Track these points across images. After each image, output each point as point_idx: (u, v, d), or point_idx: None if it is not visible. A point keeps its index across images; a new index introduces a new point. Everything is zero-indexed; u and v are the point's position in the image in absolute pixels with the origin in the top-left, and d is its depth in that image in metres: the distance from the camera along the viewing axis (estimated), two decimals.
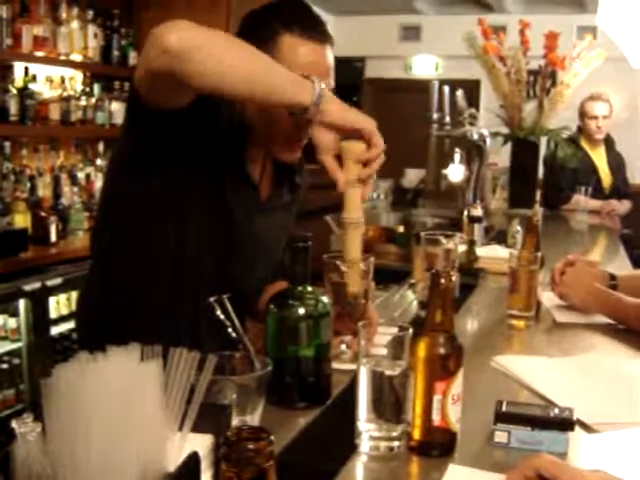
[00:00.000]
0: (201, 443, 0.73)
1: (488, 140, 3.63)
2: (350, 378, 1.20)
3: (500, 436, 1.03)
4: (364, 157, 1.19)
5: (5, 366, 3.00)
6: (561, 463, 0.80)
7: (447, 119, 3.60)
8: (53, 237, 3.20)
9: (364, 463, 1.00)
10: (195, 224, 1.39)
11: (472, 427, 1.05)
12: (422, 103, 3.73)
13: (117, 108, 3.84)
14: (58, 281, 3.04)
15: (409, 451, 1.01)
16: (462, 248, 2.17)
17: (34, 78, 3.41)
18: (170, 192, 1.35)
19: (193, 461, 0.69)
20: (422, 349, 0.98)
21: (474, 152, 3.57)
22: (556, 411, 1.04)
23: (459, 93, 3.63)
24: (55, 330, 3.19)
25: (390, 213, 3.91)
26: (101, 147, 3.85)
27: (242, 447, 0.56)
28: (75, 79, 3.76)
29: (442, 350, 0.98)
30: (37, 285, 2.94)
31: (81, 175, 3.70)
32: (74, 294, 3.17)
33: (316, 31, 1.34)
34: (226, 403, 0.89)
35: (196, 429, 0.72)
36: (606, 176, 4.41)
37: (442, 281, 0.98)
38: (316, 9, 1.43)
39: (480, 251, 2.37)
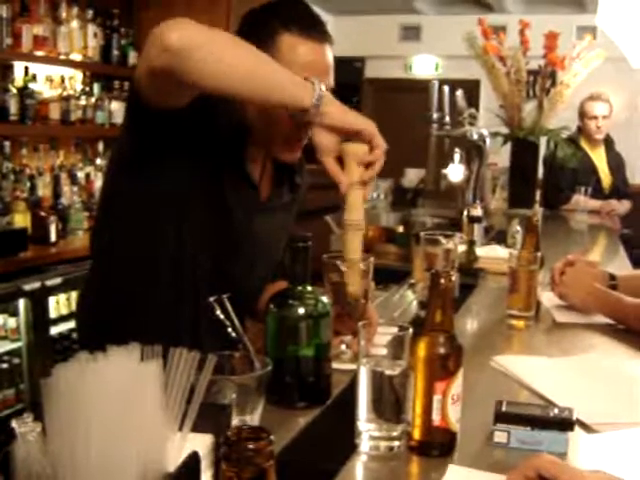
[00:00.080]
0: (201, 443, 0.73)
1: (488, 140, 3.63)
2: (350, 378, 1.20)
3: (500, 436, 1.02)
4: (367, 159, 1.20)
5: (5, 366, 3.00)
6: (561, 463, 0.80)
7: (447, 119, 3.59)
8: (53, 237, 3.20)
9: (364, 463, 1.00)
10: (194, 223, 1.39)
11: (472, 427, 1.05)
12: (422, 103, 3.73)
13: (117, 108, 3.84)
14: (58, 281, 3.04)
15: (409, 451, 1.01)
16: (462, 248, 2.17)
17: (34, 77, 3.41)
18: (170, 191, 1.35)
19: (193, 461, 0.69)
20: (422, 349, 0.98)
21: (474, 152, 3.57)
22: (556, 411, 1.04)
23: (459, 93, 3.63)
24: (55, 330, 3.19)
25: (390, 213, 3.91)
26: (101, 147, 3.85)
27: (242, 447, 0.56)
28: (75, 79, 3.76)
29: (442, 350, 0.98)
30: (37, 285, 2.94)
31: (81, 175, 3.70)
32: (74, 294, 3.17)
33: (315, 30, 1.34)
34: (226, 403, 0.89)
35: (196, 429, 0.72)
36: (606, 176, 4.41)
37: (442, 281, 0.98)
38: (316, 9, 1.43)
39: (480, 251, 2.37)
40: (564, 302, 1.82)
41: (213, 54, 1.10)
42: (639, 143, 6.00)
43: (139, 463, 0.65)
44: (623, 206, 4.33)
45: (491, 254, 2.39)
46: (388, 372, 0.99)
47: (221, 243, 1.42)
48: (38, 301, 2.98)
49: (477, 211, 2.63)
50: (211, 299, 1.17)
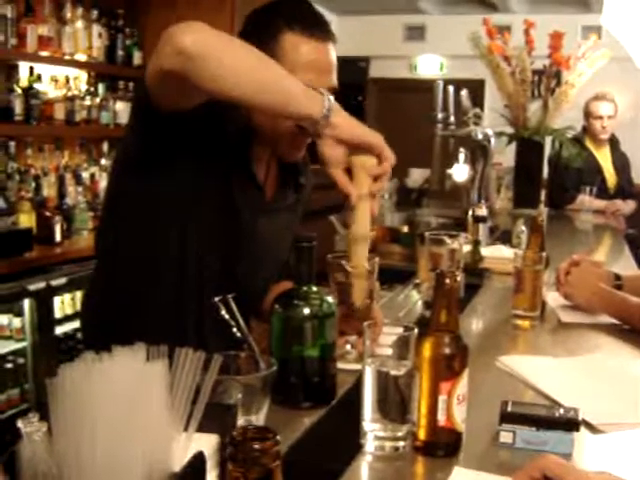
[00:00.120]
0: (207, 443, 0.73)
1: (493, 140, 3.63)
2: (355, 378, 1.20)
3: (505, 436, 1.02)
4: (375, 171, 1.20)
5: (10, 366, 3.01)
6: (566, 464, 0.80)
7: (452, 119, 3.59)
8: (58, 237, 3.20)
9: (369, 463, 0.99)
10: (200, 224, 1.39)
11: (477, 427, 1.05)
12: (427, 103, 3.73)
13: (121, 108, 3.85)
14: (63, 281, 3.04)
15: (414, 451, 1.01)
16: (467, 248, 2.17)
17: (39, 78, 3.42)
18: (174, 193, 1.35)
19: (199, 461, 0.69)
20: (427, 349, 0.98)
21: (479, 152, 3.56)
22: (561, 411, 1.04)
23: (464, 93, 3.63)
24: (60, 330, 3.19)
25: (394, 213, 3.89)
26: (105, 147, 3.85)
27: (249, 447, 0.56)
28: (80, 79, 3.76)
29: (447, 350, 0.98)
30: (42, 285, 2.94)
31: (85, 175, 3.70)
32: (79, 294, 3.17)
33: (318, 29, 1.34)
34: (231, 403, 0.89)
35: (202, 429, 0.72)
36: (611, 176, 4.41)
37: (447, 281, 0.98)
38: (320, 9, 1.43)
39: (485, 251, 2.37)
40: (569, 302, 1.82)
41: (227, 62, 1.10)
42: None
43: (145, 463, 0.65)
44: (628, 206, 4.32)
45: (496, 254, 2.39)
46: (393, 372, 0.99)
47: (226, 243, 1.42)
48: (43, 301, 2.98)
49: (482, 211, 2.62)
50: (216, 299, 1.17)
